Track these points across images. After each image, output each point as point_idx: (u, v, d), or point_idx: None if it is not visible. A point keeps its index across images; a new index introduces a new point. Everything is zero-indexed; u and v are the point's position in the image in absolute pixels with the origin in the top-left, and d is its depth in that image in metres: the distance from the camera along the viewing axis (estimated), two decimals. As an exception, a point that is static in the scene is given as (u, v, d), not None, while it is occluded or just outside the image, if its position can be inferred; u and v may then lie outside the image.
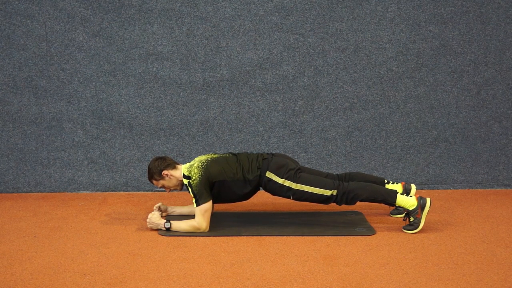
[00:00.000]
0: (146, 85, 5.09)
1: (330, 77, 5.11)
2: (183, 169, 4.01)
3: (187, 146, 5.16)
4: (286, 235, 3.89)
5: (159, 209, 4.23)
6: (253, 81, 5.11)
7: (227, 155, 4.08)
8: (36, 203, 4.81)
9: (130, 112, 5.12)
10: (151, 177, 4.07)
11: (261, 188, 4.07)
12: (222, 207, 4.48)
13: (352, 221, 4.20)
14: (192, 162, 4.02)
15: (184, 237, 3.86)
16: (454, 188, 5.20)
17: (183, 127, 5.15)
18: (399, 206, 3.97)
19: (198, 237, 3.86)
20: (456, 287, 3.07)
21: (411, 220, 3.93)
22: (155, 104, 5.11)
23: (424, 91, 5.13)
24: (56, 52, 5.04)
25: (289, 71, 5.10)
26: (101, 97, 5.10)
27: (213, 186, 3.96)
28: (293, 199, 3.98)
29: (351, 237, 3.86)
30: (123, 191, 5.19)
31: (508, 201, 4.81)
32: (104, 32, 5.03)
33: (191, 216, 4.10)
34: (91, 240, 3.83)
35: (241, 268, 3.33)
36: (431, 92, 5.14)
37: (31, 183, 5.16)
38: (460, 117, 5.16)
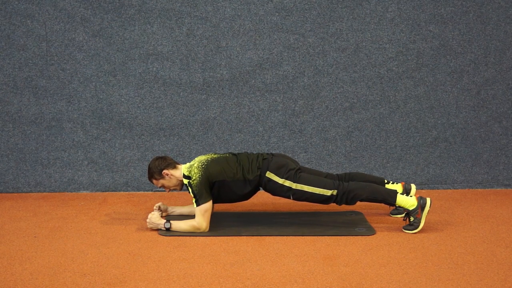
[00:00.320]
0: (146, 85, 5.09)
1: (330, 77, 5.11)
2: (183, 169, 4.02)
3: (187, 146, 5.16)
4: (286, 235, 3.89)
5: (159, 208, 4.23)
6: (253, 81, 5.11)
7: (227, 155, 4.08)
8: (36, 203, 4.81)
9: (130, 112, 5.12)
10: (151, 176, 4.08)
11: (261, 188, 4.07)
12: (222, 207, 4.48)
13: (352, 221, 4.19)
14: (192, 162, 4.02)
15: (184, 237, 3.86)
16: (454, 188, 5.20)
17: (183, 127, 5.15)
18: (399, 206, 3.97)
19: (198, 237, 3.86)
20: (456, 287, 3.07)
21: (411, 220, 3.93)
22: (155, 104, 5.11)
23: (424, 91, 5.13)
24: (56, 52, 5.04)
25: (289, 71, 5.10)
26: (101, 97, 5.10)
27: (213, 186, 3.96)
28: (293, 199, 3.98)
29: (351, 237, 3.86)
30: (123, 191, 5.19)
31: (508, 201, 4.81)
32: (104, 32, 5.03)
33: (191, 216, 4.11)
34: (91, 240, 3.83)
35: (241, 268, 3.33)
36: (431, 92, 5.14)
37: (31, 183, 5.16)
38: (460, 117, 5.16)
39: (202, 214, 3.90)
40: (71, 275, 3.24)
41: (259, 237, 3.87)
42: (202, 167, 3.92)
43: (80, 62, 5.06)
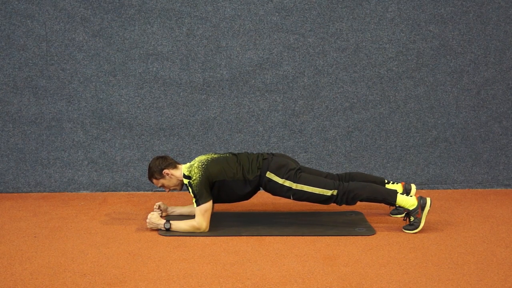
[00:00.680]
0: (146, 85, 5.09)
1: (330, 77, 5.11)
2: (183, 169, 4.02)
3: (187, 146, 5.16)
4: (286, 235, 3.89)
5: (159, 208, 4.23)
6: (253, 81, 5.11)
7: (227, 155, 4.08)
8: (36, 203, 4.81)
9: (130, 112, 5.12)
10: (151, 175, 4.08)
11: (261, 188, 4.07)
12: (222, 207, 4.48)
13: (352, 221, 4.19)
14: (192, 162, 4.02)
15: (184, 237, 3.86)
16: (454, 188, 5.20)
17: (183, 127, 5.15)
18: (399, 206, 3.97)
19: (198, 237, 3.86)
20: (456, 287, 3.07)
21: (411, 220, 3.93)
22: (155, 104, 5.11)
23: (424, 91, 5.13)
24: (56, 52, 5.04)
25: (289, 71, 5.10)
26: (101, 97, 5.10)
27: (213, 186, 3.96)
28: (293, 199, 3.98)
29: (351, 237, 3.86)
30: (123, 191, 5.19)
31: (508, 201, 4.81)
32: (104, 32, 5.03)
33: (191, 216, 4.10)
34: (91, 240, 3.83)
35: (241, 268, 3.33)
36: (431, 92, 5.14)
37: (31, 183, 5.16)
38: (460, 117, 5.16)
39: (202, 214, 3.90)
40: (71, 275, 3.24)
41: (259, 237, 3.87)
42: (202, 167, 3.92)
43: (80, 62, 5.06)
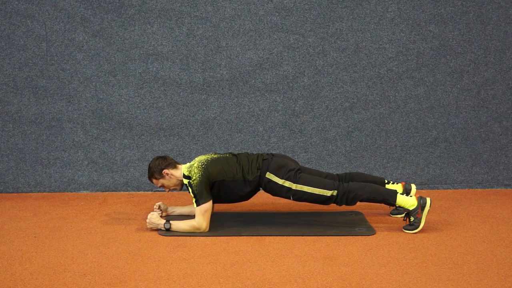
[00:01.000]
0: (146, 85, 5.09)
1: (330, 77, 5.11)
2: (183, 169, 4.02)
3: (187, 146, 5.16)
4: (286, 235, 3.89)
5: (159, 208, 4.23)
6: (253, 81, 5.11)
7: (227, 155, 4.08)
8: (36, 203, 4.81)
9: (130, 112, 5.12)
10: (151, 175, 4.07)
11: (261, 188, 4.07)
12: (222, 207, 4.48)
13: (352, 221, 4.19)
14: (192, 162, 4.02)
15: (184, 237, 3.86)
16: (454, 188, 5.20)
17: (183, 127, 5.15)
18: (399, 206, 3.97)
19: (198, 237, 3.86)
20: (456, 287, 3.07)
21: (411, 220, 3.93)
22: (155, 104, 5.11)
23: (424, 91, 5.13)
24: (56, 52, 5.04)
25: (289, 71, 5.10)
26: (101, 97, 5.10)
27: (213, 186, 3.96)
28: (293, 199, 3.98)
29: (351, 237, 3.86)
30: (123, 191, 5.19)
31: (508, 201, 4.81)
32: (104, 32, 5.03)
33: (191, 216, 4.11)
34: (91, 240, 3.83)
35: (241, 268, 3.33)
36: (431, 92, 5.14)
37: (31, 183, 5.16)
38: (460, 117, 5.16)
39: (202, 214, 3.90)
40: (71, 275, 3.24)
41: (259, 237, 3.87)
42: (202, 167, 3.92)
43: (80, 62, 5.06)
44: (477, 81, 5.13)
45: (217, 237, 3.87)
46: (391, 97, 5.14)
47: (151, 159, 4.32)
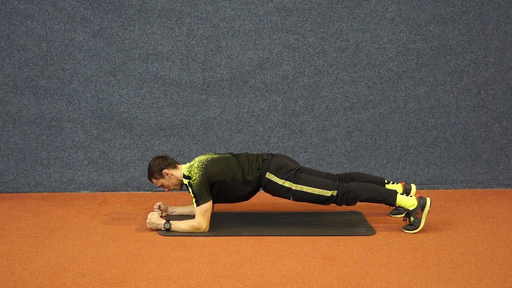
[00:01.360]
0: (146, 85, 5.09)
1: (330, 77, 5.11)
2: (183, 169, 4.01)
3: (187, 146, 5.16)
4: (286, 235, 3.89)
5: (159, 208, 4.23)
6: (253, 81, 5.11)
7: (227, 155, 4.08)
8: (36, 203, 4.81)
9: (130, 112, 5.12)
10: (151, 175, 4.07)
11: (261, 188, 4.06)
12: (222, 207, 4.48)
13: (352, 221, 4.19)
14: (192, 162, 4.02)
15: (184, 237, 3.86)
16: (454, 188, 5.20)
17: (183, 127, 5.15)
18: (399, 206, 3.97)
19: (198, 237, 3.86)
20: (456, 287, 3.07)
21: (411, 220, 3.93)
22: (155, 104, 5.11)
23: (424, 91, 5.13)
24: (56, 52, 5.04)
25: (289, 71, 5.10)
26: (101, 97, 5.10)
27: (213, 186, 3.96)
28: (293, 199, 3.98)
29: (351, 237, 3.86)
30: (123, 191, 5.19)
31: (508, 201, 4.81)
32: (104, 32, 5.03)
33: (191, 216, 4.10)
34: (91, 240, 3.83)
35: (241, 268, 3.33)
36: (431, 92, 5.14)
37: (31, 183, 5.16)
38: (460, 117, 5.16)
39: (202, 214, 3.90)
40: (71, 275, 3.24)
41: (259, 237, 3.87)
42: (202, 167, 3.92)
43: (80, 62, 5.06)
44: (477, 81, 5.13)
45: (217, 237, 3.87)
46: (391, 97, 5.14)
47: (151, 159, 4.31)
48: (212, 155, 4.07)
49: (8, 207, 4.71)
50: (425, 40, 5.08)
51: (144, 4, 5.00)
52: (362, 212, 4.42)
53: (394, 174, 5.19)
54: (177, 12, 5.02)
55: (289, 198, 3.98)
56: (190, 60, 5.07)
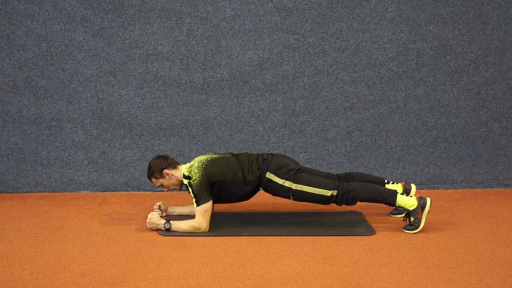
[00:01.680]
0: (146, 85, 5.09)
1: (330, 77, 5.11)
2: (183, 169, 4.01)
3: (187, 146, 5.16)
4: (286, 235, 3.89)
5: (159, 208, 4.23)
6: (253, 81, 5.10)
7: (227, 155, 4.08)
8: (36, 203, 4.81)
9: (130, 112, 5.12)
10: (151, 174, 4.07)
11: (261, 188, 4.06)
12: (222, 207, 4.48)
13: (352, 221, 4.19)
14: (192, 162, 4.02)
15: (184, 237, 3.86)
16: (454, 188, 5.20)
17: (183, 127, 5.15)
18: (399, 206, 3.97)
19: (198, 237, 3.86)
20: (456, 287, 3.07)
21: (411, 220, 3.93)
22: (155, 104, 5.11)
23: (424, 91, 5.13)
24: (56, 52, 5.04)
25: (289, 71, 5.10)
26: (101, 97, 5.10)
27: (213, 186, 3.96)
28: (293, 199, 3.98)
29: (351, 237, 3.86)
30: (123, 191, 5.19)
31: (508, 201, 4.81)
32: (104, 32, 5.03)
33: (191, 216, 4.10)
34: (91, 240, 3.83)
35: (241, 268, 3.33)
36: (431, 92, 5.14)
37: (31, 183, 5.16)
38: (460, 117, 5.16)
39: (202, 214, 3.90)
40: (71, 275, 3.24)
41: (259, 237, 3.87)
42: (202, 167, 3.92)
43: (80, 62, 5.06)
44: (477, 81, 5.13)
45: (217, 237, 3.87)
46: (391, 97, 5.14)
47: (151, 159, 4.31)
48: (212, 155, 4.07)
49: (8, 207, 4.72)
50: (425, 40, 5.08)
51: (144, 4, 5.00)
52: (362, 212, 4.42)
53: (394, 174, 5.19)
54: (177, 12, 5.02)
55: (289, 198, 3.98)
56: (190, 60, 5.07)
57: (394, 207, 4.25)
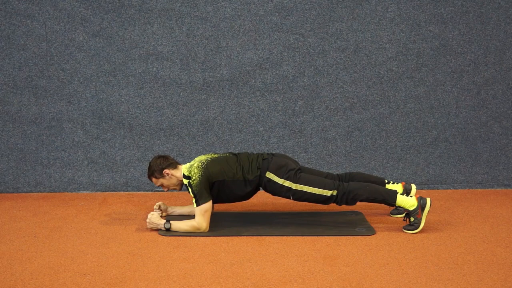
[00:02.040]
0: (146, 85, 5.09)
1: (330, 77, 5.11)
2: (183, 169, 4.01)
3: (187, 146, 5.16)
4: (286, 235, 3.89)
5: (159, 208, 4.23)
6: (253, 81, 5.11)
7: (227, 155, 4.08)
8: (36, 203, 4.81)
9: (130, 112, 5.12)
10: (151, 174, 4.07)
11: (261, 188, 4.06)
12: (222, 207, 4.48)
13: (352, 221, 4.19)
14: (192, 162, 4.02)
15: (184, 237, 3.86)
16: (454, 188, 5.20)
17: (183, 127, 5.15)
18: (399, 206, 3.97)
19: (198, 237, 3.86)
20: (456, 287, 3.07)
21: (411, 220, 3.93)
22: (155, 104, 5.12)
23: (424, 91, 5.13)
24: (56, 52, 5.04)
25: (289, 71, 5.10)
26: (101, 97, 5.10)
27: (213, 186, 3.96)
28: (293, 199, 3.98)
29: (351, 237, 3.86)
30: (123, 191, 5.19)
31: (508, 201, 4.81)
32: (104, 32, 5.03)
33: (191, 216, 4.10)
34: (91, 240, 3.83)
35: (241, 268, 3.33)
36: (431, 92, 5.14)
37: (31, 183, 5.16)
38: (460, 117, 5.16)
39: (202, 214, 3.90)
40: (71, 275, 3.24)
41: (259, 237, 3.87)
42: (202, 167, 3.92)
43: (80, 62, 5.06)
44: (477, 81, 5.13)
45: (217, 237, 3.87)
46: (391, 97, 5.14)
47: (151, 158, 4.31)
48: (212, 155, 4.07)
49: (8, 207, 4.72)
50: (425, 40, 5.08)
51: (144, 4, 5.00)
52: (362, 212, 4.42)
53: (394, 174, 5.19)
54: (177, 12, 5.02)
55: (289, 198, 3.98)
56: (190, 60, 5.07)
57: (394, 207, 4.25)
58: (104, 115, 5.12)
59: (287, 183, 3.94)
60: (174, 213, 4.32)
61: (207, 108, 5.13)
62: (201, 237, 3.87)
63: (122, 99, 5.10)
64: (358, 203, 4.05)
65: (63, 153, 5.15)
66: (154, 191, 5.17)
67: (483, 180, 5.22)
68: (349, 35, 5.07)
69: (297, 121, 5.16)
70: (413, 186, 4.29)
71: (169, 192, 5.02)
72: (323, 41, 5.07)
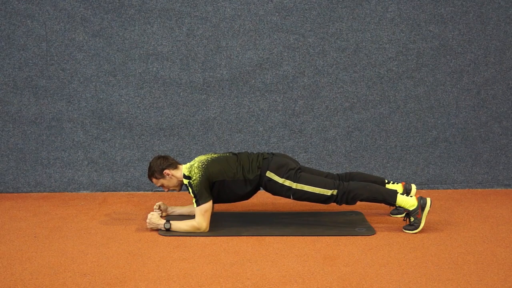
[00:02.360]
0: (146, 85, 5.09)
1: (330, 77, 5.11)
2: (183, 169, 4.01)
3: (187, 146, 5.16)
4: (286, 235, 3.89)
5: (159, 208, 4.23)
6: (253, 81, 5.11)
7: (227, 154, 4.08)
8: (36, 203, 4.81)
9: (130, 112, 5.12)
10: (151, 174, 4.07)
11: (261, 188, 4.06)
12: (222, 207, 4.48)
13: (352, 221, 4.19)
14: (192, 162, 4.02)
15: (184, 237, 3.86)
16: (454, 188, 5.20)
17: (183, 127, 5.15)
18: (399, 206, 3.97)
19: (198, 237, 3.86)
20: (456, 287, 3.07)
21: (411, 220, 3.93)
22: (155, 104, 5.12)
23: (424, 91, 5.13)
24: (56, 52, 5.04)
25: (289, 71, 5.10)
26: (101, 97, 5.10)
27: (213, 186, 3.96)
28: (294, 198, 3.98)
29: (351, 237, 3.86)
30: (123, 191, 5.19)
31: (508, 201, 4.81)
32: (104, 32, 5.03)
33: (191, 216, 4.10)
34: (91, 240, 3.83)
35: (241, 268, 3.33)
36: (431, 92, 5.14)
37: (31, 183, 5.16)
38: (460, 117, 5.16)
39: (202, 214, 3.90)
40: (71, 275, 3.24)
41: (259, 237, 3.87)
42: (202, 167, 3.92)
43: (80, 62, 5.06)
44: (477, 81, 5.13)
45: (217, 237, 3.87)
46: (391, 97, 5.14)
47: (152, 159, 4.31)
48: (212, 154, 4.07)
49: (8, 207, 4.72)
50: (425, 40, 5.08)
51: (144, 4, 5.00)
52: (362, 212, 4.42)
53: (394, 174, 5.19)
54: (177, 12, 5.02)
55: (290, 197, 3.98)
56: (190, 60, 5.07)
57: (394, 207, 4.25)
58: (104, 115, 5.12)
59: (287, 183, 3.94)
60: (174, 213, 4.32)
61: (207, 108, 5.13)
62: (201, 237, 3.87)
63: (122, 99, 5.11)
64: (358, 203, 4.05)
65: (63, 153, 5.15)
66: (154, 191, 5.17)
67: (483, 180, 5.22)
68: (349, 35, 5.07)
69: (297, 121, 5.16)
70: (413, 186, 4.29)
71: (169, 192, 5.01)
72: (323, 41, 5.07)
